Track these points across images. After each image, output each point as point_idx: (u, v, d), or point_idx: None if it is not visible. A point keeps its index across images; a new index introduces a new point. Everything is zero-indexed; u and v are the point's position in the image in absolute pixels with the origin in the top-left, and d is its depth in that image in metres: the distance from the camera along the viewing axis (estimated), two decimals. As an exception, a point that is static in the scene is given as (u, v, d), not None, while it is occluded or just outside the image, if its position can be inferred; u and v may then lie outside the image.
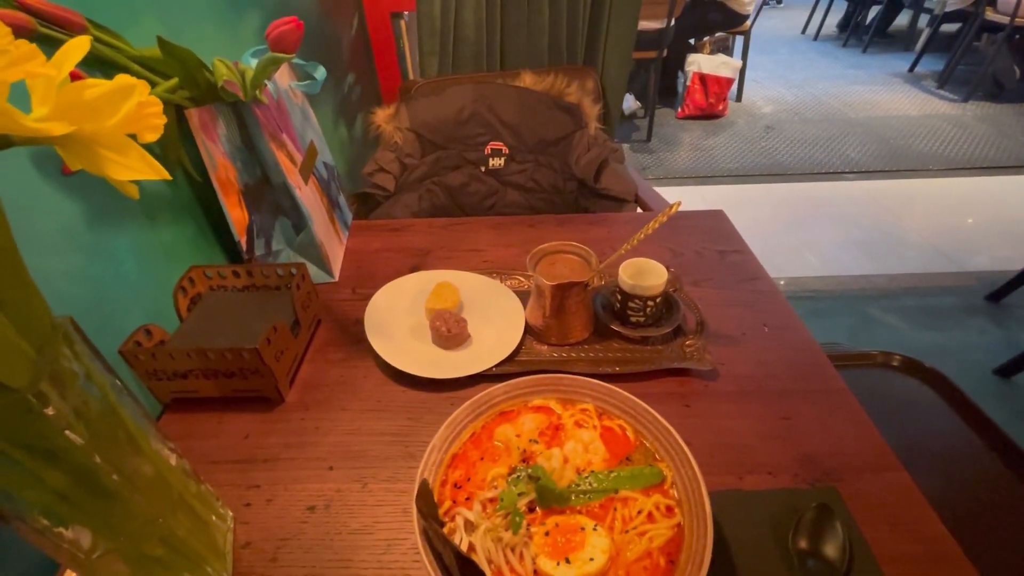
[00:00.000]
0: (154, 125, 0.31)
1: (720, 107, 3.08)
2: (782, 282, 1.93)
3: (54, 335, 0.29)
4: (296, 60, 0.72)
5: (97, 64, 0.53)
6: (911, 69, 3.63)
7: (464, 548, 0.39)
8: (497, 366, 0.60)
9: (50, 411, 0.28)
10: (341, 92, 1.27)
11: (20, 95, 0.26)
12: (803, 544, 0.42)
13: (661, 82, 2.85)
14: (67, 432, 0.29)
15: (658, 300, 0.62)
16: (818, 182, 2.50)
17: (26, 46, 0.24)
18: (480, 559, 0.38)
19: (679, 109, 3.14)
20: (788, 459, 0.50)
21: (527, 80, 1.13)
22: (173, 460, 0.40)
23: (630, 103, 3.00)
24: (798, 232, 2.12)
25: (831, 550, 0.42)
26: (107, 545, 0.35)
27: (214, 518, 0.44)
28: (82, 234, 0.52)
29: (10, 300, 0.26)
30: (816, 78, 3.63)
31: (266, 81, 0.64)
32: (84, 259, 0.53)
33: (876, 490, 0.47)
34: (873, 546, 0.43)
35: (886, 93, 3.35)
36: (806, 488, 0.48)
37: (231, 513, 0.48)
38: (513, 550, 0.39)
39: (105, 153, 0.29)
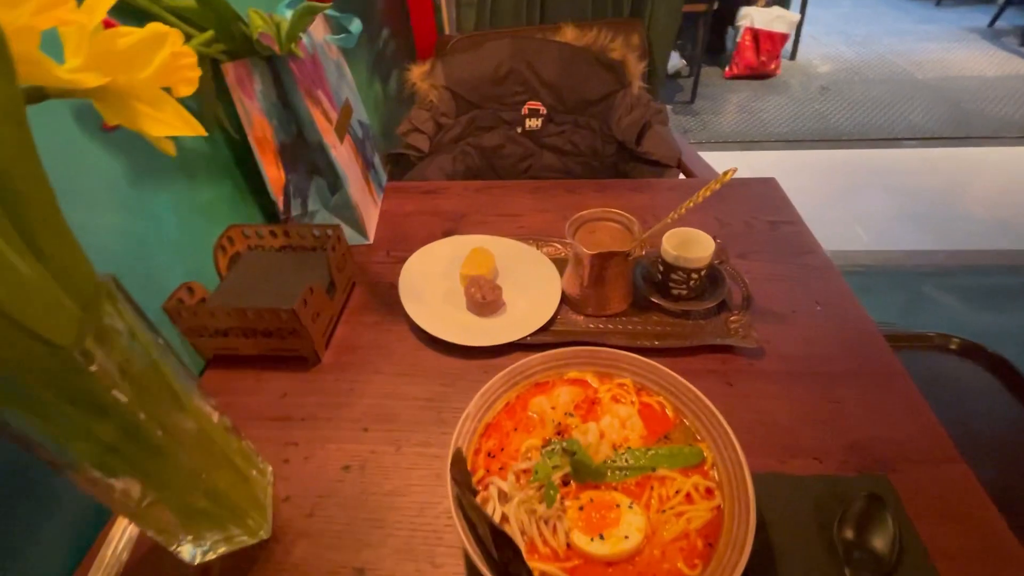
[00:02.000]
0: (189, 78, 0.30)
1: (772, 66, 2.89)
2: (828, 256, 1.81)
3: (98, 293, 0.29)
4: (331, 11, 0.69)
5: (132, 15, 0.52)
6: (991, 24, 3.29)
7: (497, 518, 0.39)
8: (532, 335, 0.59)
9: (94, 368, 0.28)
10: (376, 47, 1.23)
11: (53, 47, 0.25)
12: (849, 534, 0.41)
13: (709, 38, 2.68)
14: (112, 390, 0.29)
15: (702, 273, 0.59)
16: (875, 149, 2.33)
17: (56, -11, 0.23)
18: (513, 530, 0.38)
19: (727, 68, 2.95)
20: (836, 445, 0.48)
21: (569, 34, 1.07)
22: (215, 417, 0.40)
23: (675, 61, 2.84)
24: (849, 203, 2.00)
25: (880, 542, 0.40)
26: (155, 496, 0.36)
27: (254, 473, 0.46)
28: (125, 192, 0.53)
29: (52, 257, 0.26)
30: (881, 34, 3.34)
31: (301, 34, 0.62)
32: (127, 217, 0.53)
33: (932, 482, 0.44)
34: (926, 540, 0.41)
35: (961, 51, 3.06)
36: (855, 476, 0.45)
37: (271, 468, 0.49)
38: (547, 523, 0.39)
39: (140, 107, 0.28)
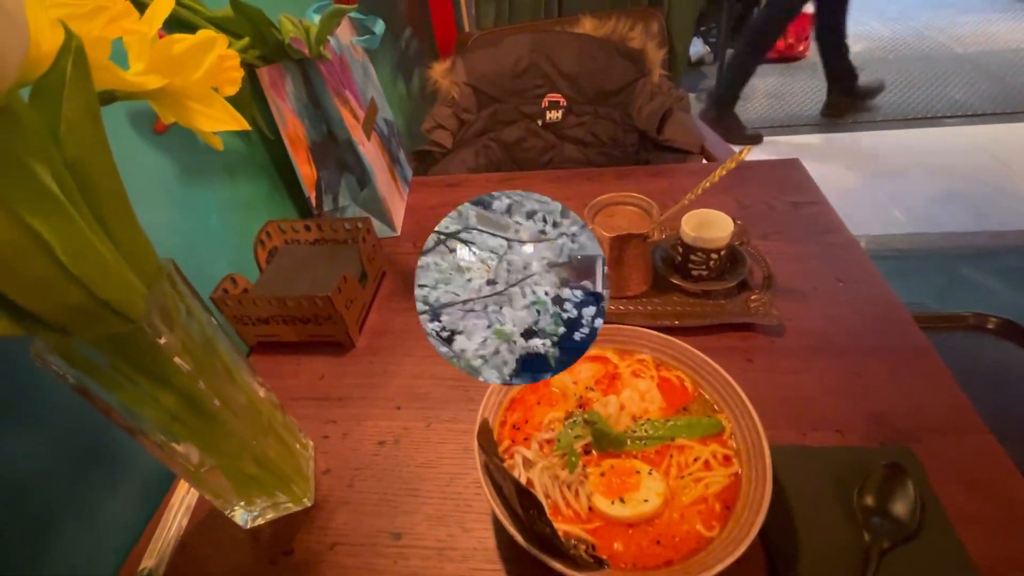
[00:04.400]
0: (233, 78, 0.33)
1: (801, 48, 2.81)
2: (862, 242, 1.77)
3: (160, 274, 0.33)
4: (355, 14, 0.73)
5: (176, 26, 0.56)
6: (1040, -9, 3.11)
7: (522, 483, 0.41)
8: (554, 318, 0.61)
9: (163, 341, 0.31)
10: (398, 47, 1.27)
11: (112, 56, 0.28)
12: (869, 501, 0.41)
13: (734, 22, 2.62)
14: (176, 359, 0.32)
15: (722, 253, 0.60)
16: (913, 129, 2.24)
17: (122, 3, 0.26)
18: (537, 494, 0.40)
19: (753, 52, 2.88)
20: (857, 417, 0.48)
21: (588, 25, 1.08)
22: (262, 393, 0.44)
23: (698, 48, 2.80)
24: (884, 186, 1.94)
25: (900, 509, 0.40)
26: (211, 461, 0.40)
27: (298, 446, 0.49)
28: (174, 190, 0.57)
29: (123, 241, 0.29)
30: (919, 8, 3.20)
31: (329, 37, 0.65)
32: (177, 212, 0.58)
33: (955, 452, 0.44)
34: (950, 509, 0.41)
35: (1005, 22, 2.90)
36: (876, 447, 0.46)
37: (312, 443, 0.53)
38: (569, 487, 0.41)
39: (193, 106, 0.31)
